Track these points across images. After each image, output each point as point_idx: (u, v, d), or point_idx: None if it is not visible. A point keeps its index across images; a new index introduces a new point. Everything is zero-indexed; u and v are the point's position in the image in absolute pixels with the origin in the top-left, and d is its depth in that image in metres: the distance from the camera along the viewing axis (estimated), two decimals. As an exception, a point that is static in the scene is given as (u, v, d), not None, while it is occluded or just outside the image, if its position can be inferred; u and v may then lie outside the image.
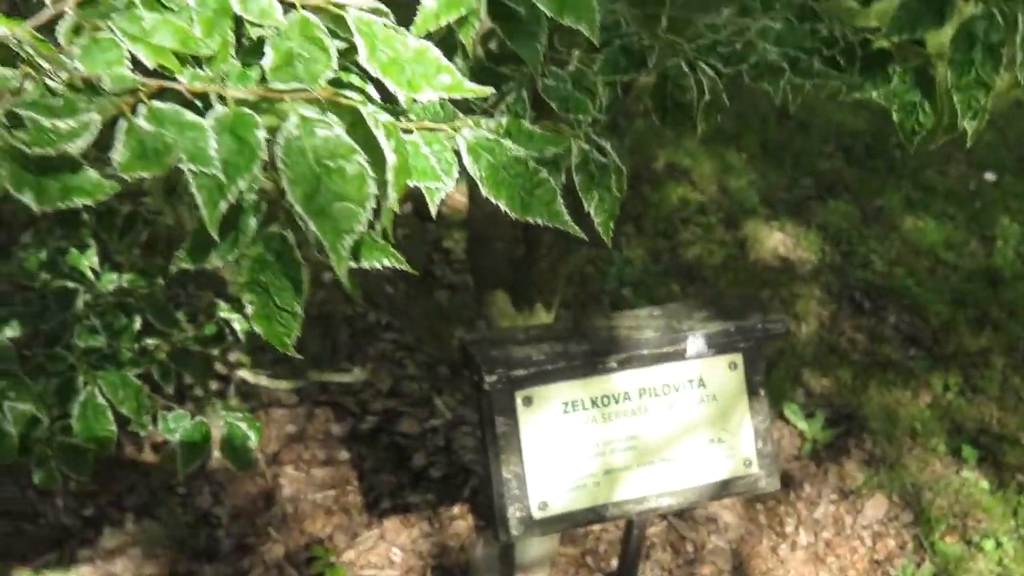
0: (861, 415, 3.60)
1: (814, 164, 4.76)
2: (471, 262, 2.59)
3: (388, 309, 3.88)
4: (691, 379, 2.18)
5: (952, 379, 3.74)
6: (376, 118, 0.90)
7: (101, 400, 1.92)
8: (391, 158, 0.92)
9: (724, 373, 2.19)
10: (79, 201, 0.88)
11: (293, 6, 0.99)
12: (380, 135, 0.90)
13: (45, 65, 0.91)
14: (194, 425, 2.06)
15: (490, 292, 2.57)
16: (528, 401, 2.08)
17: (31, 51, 0.90)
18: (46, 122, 0.83)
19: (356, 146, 0.90)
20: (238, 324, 2.24)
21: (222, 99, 0.89)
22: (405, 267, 1.06)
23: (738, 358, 2.20)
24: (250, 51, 0.98)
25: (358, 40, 0.97)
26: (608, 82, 1.32)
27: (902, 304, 4.06)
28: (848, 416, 3.61)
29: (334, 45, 0.96)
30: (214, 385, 3.32)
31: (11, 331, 1.97)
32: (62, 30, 0.95)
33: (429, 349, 3.78)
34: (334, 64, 0.96)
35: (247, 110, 0.89)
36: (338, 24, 0.99)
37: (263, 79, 0.95)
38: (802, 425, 3.52)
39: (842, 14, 1.63)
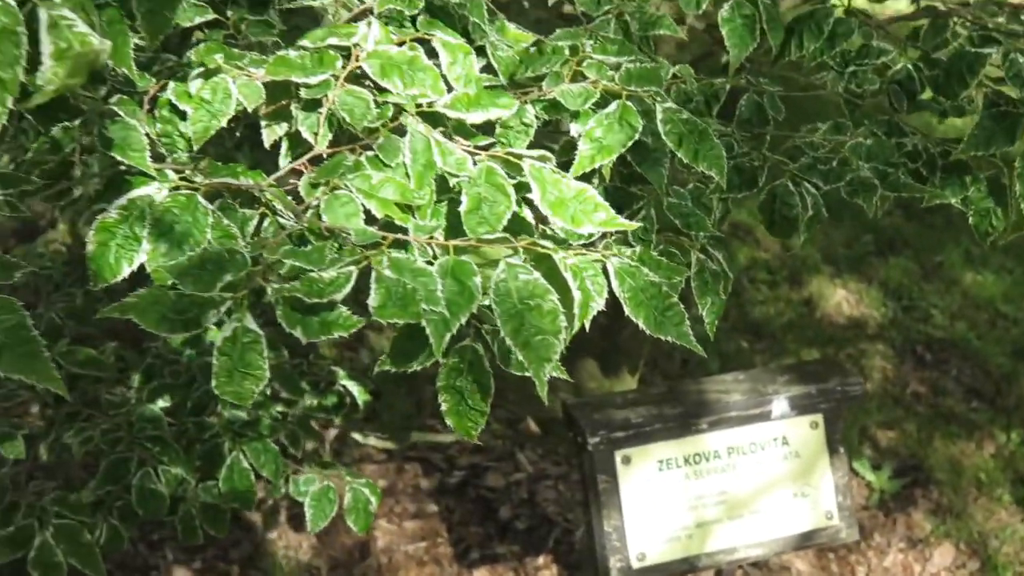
0: (927, 466, 3.75)
1: (874, 221, 4.90)
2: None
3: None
4: (776, 438, 2.36)
5: (1014, 430, 3.88)
6: (565, 263, 1.11)
7: (246, 465, 2.13)
8: (577, 295, 1.13)
9: (806, 432, 2.37)
10: (336, 334, 1.08)
11: (480, 157, 1.20)
12: (569, 277, 1.11)
13: (280, 208, 1.13)
14: (322, 488, 2.27)
15: (580, 359, 2.76)
16: (627, 460, 2.27)
17: (270, 196, 1.12)
18: (314, 273, 1.04)
19: (550, 287, 1.11)
20: (357, 392, 2.44)
21: (444, 247, 1.10)
22: (566, 377, 1.25)
23: (819, 418, 2.37)
24: (439, 188, 1.19)
25: (533, 184, 1.18)
26: (722, 198, 1.52)
27: (964, 357, 4.21)
28: (914, 467, 3.75)
29: (512, 188, 1.17)
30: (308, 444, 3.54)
31: (163, 402, 2.19)
32: (301, 184, 1.17)
33: (510, 406, 3.97)
34: (513, 205, 1.17)
35: (466, 258, 1.09)
36: (513, 169, 1.20)
37: (454, 213, 1.16)
38: (870, 476, 3.67)
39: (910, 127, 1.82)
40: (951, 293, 4.53)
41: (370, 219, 1.15)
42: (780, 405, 2.32)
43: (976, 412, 3.97)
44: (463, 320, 1.08)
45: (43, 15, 0.89)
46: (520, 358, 1.10)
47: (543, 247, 1.11)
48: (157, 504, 2.13)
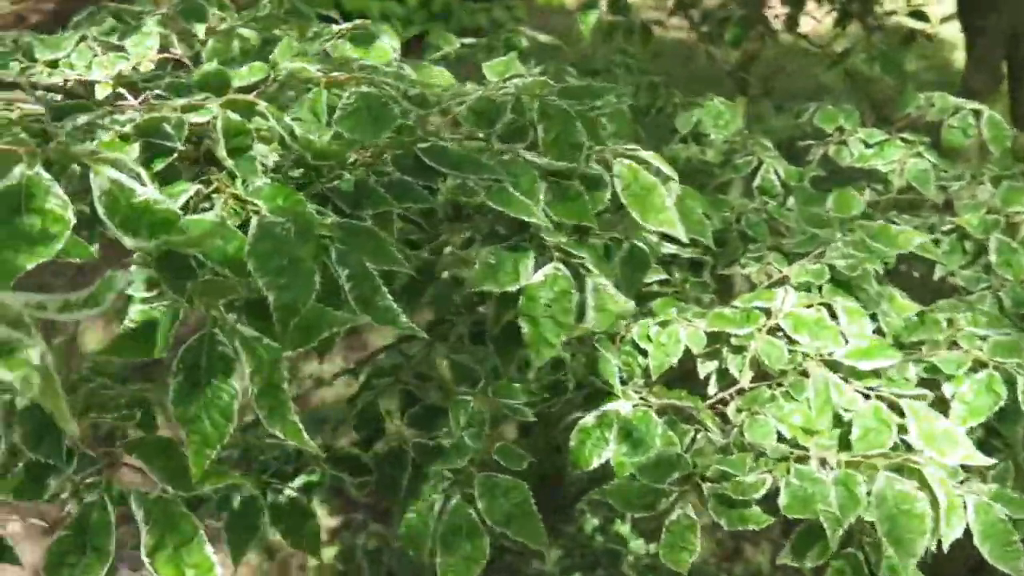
0: None
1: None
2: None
3: None
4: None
5: None
6: (936, 477, 1.40)
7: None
8: (943, 502, 1.38)
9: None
10: (750, 526, 1.42)
11: (868, 396, 1.53)
12: (938, 489, 1.39)
13: (710, 426, 1.52)
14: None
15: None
16: None
17: (703, 416, 1.51)
18: (739, 477, 1.40)
19: (920, 494, 1.38)
20: None
21: (832, 462, 1.44)
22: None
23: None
24: (835, 419, 1.52)
25: (910, 420, 1.48)
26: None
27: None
28: None
29: (895, 424, 1.48)
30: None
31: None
32: (730, 409, 1.56)
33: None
34: (895, 437, 1.48)
35: (852, 471, 1.42)
36: (895, 410, 1.51)
37: (844, 439, 1.48)
38: None
39: None
40: None
41: (781, 439, 1.49)
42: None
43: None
44: (852, 519, 1.38)
45: (589, 282, 1.36)
46: (890, 552, 1.38)
47: (915, 462, 1.41)
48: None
